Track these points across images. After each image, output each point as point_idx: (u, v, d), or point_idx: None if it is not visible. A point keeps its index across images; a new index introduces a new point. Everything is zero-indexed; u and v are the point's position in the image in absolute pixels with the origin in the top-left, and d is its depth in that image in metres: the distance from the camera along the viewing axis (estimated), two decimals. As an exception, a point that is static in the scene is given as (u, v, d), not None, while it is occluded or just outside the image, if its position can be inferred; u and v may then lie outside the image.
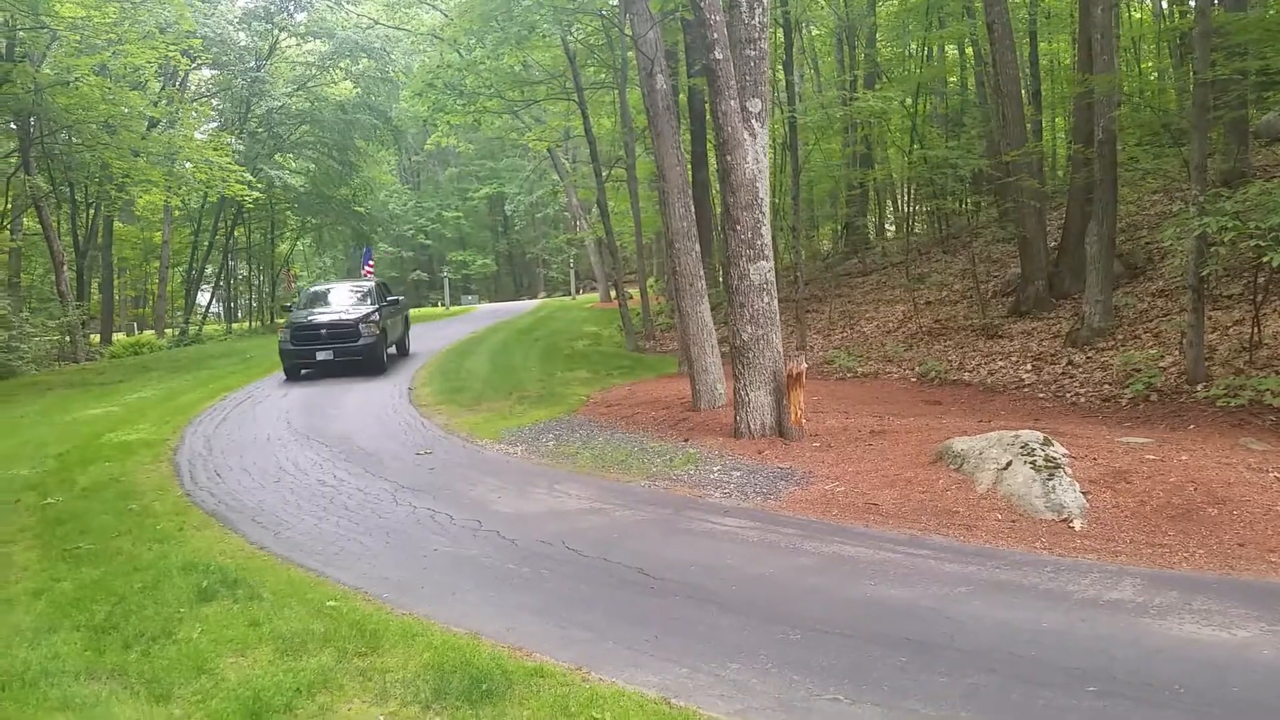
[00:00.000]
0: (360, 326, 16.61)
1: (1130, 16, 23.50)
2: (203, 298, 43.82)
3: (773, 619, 5.08)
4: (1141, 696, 4.01)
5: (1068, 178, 16.73)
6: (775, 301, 9.92)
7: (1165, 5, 22.42)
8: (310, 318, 17.24)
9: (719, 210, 12.43)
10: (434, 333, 25.15)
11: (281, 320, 23.01)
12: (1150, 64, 23.94)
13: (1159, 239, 12.97)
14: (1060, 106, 22.59)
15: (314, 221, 41.44)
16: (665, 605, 5.41)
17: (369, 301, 18.03)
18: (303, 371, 16.70)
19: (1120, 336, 12.64)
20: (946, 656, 4.52)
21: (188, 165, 24.19)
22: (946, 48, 25.56)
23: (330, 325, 16.72)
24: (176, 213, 34.31)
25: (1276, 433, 8.67)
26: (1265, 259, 9.09)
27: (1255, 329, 10.52)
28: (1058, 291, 15.25)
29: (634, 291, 25.94)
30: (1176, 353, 11.15)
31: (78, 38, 20.29)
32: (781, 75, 19.71)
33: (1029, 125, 17.81)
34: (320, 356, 16.37)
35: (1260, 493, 6.53)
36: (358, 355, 16.40)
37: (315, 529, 7.35)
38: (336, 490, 8.64)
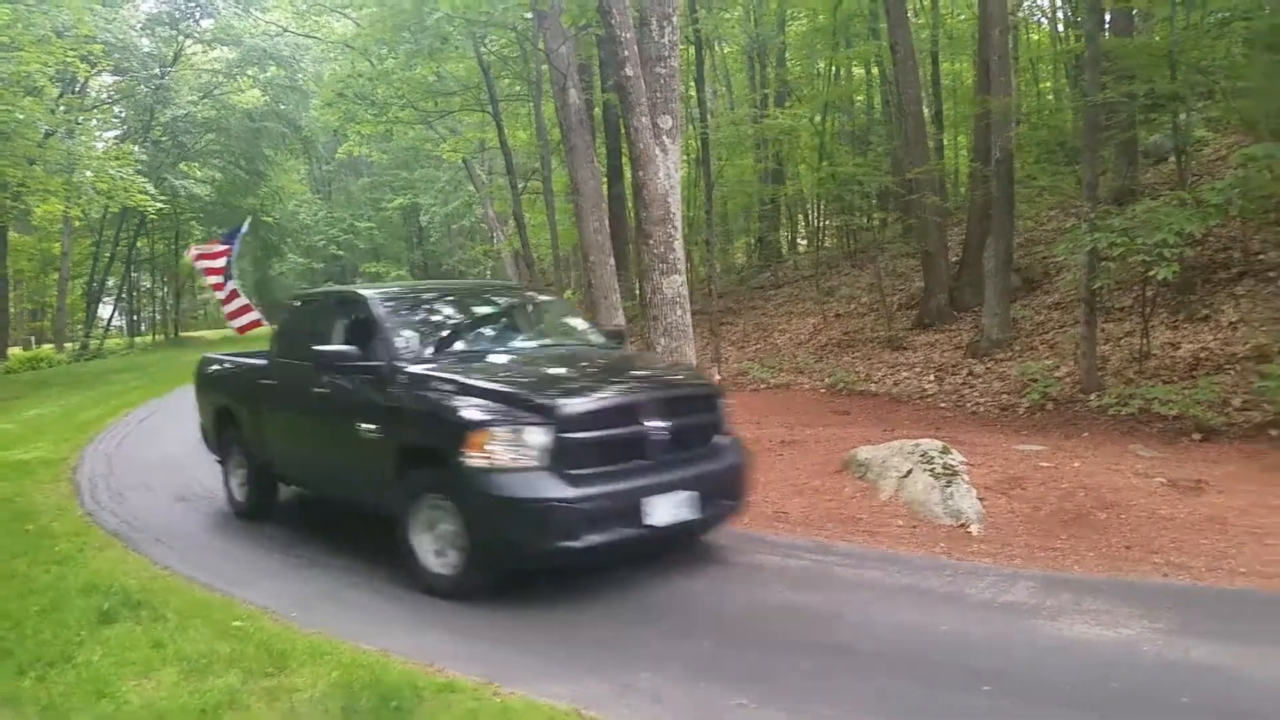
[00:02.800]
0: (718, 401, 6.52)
1: (1029, 39, 24.39)
2: (104, 311, 42.43)
3: (685, 630, 5.16)
4: (1033, 695, 4.19)
5: (969, 195, 17.25)
6: (689, 315, 10.03)
7: (1061, 28, 23.31)
8: (607, 385, 6.29)
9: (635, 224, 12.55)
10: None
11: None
12: (1049, 84, 24.81)
13: (1054, 254, 13.48)
14: (962, 126, 23.23)
15: (220, 231, 40.45)
16: (578, 619, 5.44)
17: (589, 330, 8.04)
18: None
19: (1018, 348, 13.09)
20: (852, 661, 4.65)
21: (88, 174, 23.42)
22: (853, 68, 26.12)
23: (671, 400, 6.04)
24: (76, 223, 33.13)
25: (1163, 439, 9.11)
26: (1152, 273, 9.58)
27: (1144, 340, 11.01)
28: (959, 305, 15.72)
29: (550, 304, 25.89)
30: (1071, 363, 11.61)
31: (-34, 42, 19.52)
32: (694, 92, 19.96)
33: (931, 144, 18.34)
34: (662, 517, 5.58)
35: (1146, 497, 6.86)
36: (736, 496, 6.31)
37: (223, 548, 7.20)
38: (244, 508, 8.44)
